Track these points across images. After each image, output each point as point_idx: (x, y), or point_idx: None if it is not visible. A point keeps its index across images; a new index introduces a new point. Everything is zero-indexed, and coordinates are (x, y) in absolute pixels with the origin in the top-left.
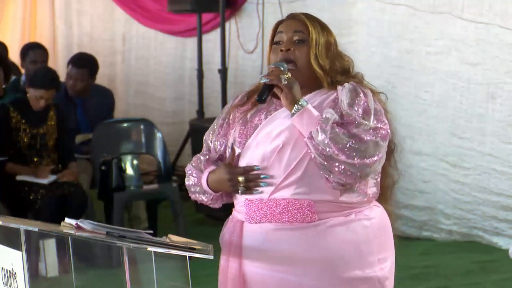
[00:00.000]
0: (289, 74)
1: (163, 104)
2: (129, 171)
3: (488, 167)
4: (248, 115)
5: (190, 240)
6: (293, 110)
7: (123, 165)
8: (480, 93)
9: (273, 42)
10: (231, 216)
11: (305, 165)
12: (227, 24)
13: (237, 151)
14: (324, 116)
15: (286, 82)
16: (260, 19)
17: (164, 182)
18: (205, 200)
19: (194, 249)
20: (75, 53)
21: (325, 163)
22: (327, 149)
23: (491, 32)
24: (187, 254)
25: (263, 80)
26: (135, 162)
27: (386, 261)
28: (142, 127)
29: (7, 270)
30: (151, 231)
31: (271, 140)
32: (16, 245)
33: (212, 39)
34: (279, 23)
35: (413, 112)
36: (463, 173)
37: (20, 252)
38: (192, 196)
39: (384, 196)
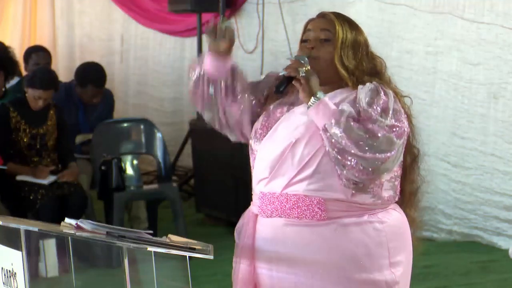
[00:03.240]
0: (308, 67)
1: (162, 104)
2: (129, 171)
3: (491, 167)
4: (271, 106)
5: (190, 240)
6: (309, 103)
7: (123, 165)
8: (482, 93)
9: (302, 41)
10: (248, 208)
11: (318, 161)
12: None
13: (257, 144)
14: (340, 108)
15: (303, 74)
16: (260, 19)
17: (164, 182)
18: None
19: (194, 249)
20: (75, 53)
21: (338, 156)
22: (342, 141)
23: (493, 32)
24: (187, 254)
25: (282, 73)
26: (135, 162)
27: (399, 265)
28: (142, 127)
29: (7, 270)
30: (151, 231)
31: (286, 135)
32: (16, 245)
33: None
34: (309, 22)
35: (413, 112)
36: (464, 173)
37: (20, 252)
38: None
39: (406, 202)
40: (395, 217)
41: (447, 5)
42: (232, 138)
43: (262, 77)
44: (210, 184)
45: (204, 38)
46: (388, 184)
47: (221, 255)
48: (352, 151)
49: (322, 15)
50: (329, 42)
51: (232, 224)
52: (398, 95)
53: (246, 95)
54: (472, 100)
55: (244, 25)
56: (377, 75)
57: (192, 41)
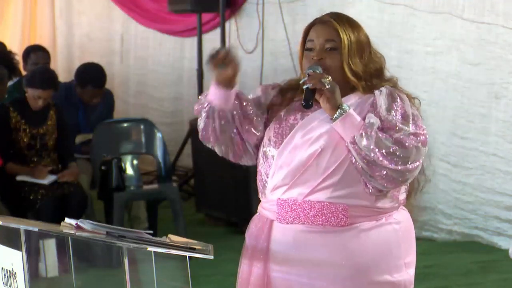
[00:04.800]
0: (330, 78)
1: (162, 104)
2: (129, 171)
3: (492, 167)
4: (282, 113)
5: (190, 240)
6: (335, 115)
7: (123, 165)
8: (482, 93)
9: (304, 47)
10: (257, 213)
11: (343, 169)
12: (227, 24)
13: (273, 151)
14: (368, 121)
15: (329, 86)
16: (260, 19)
17: (164, 182)
18: (204, 116)
19: (194, 249)
20: (75, 53)
21: (367, 168)
22: (372, 154)
23: (493, 32)
24: (187, 254)
25: (306, 86)
26: (135, 162)
27: (411, 266)
28: (142, 127)
29: (7, 270)
30: (151, 231)
31: (309, 143)
32: (16, 245)
33: (212, 39)
34: (310, 27)
35: None
36: (464, 173)
37: (20, 252)
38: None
39: (407, 199)
40: (406, 216)
41: (447, 5)
42: (251, 162)
43: (258, 90)
44: (210, 184)
45: (204, 38)
46: (404, 187)
47: (221, 255)
48: (384, 164)
49: (323, 22)
50: (335, 51)
51: (232, 224)
52: (409, 98)
53: (260, 118)
54: (472, 100)
55: (244, 25)
56: (382, 74)
57: (192, 41)
